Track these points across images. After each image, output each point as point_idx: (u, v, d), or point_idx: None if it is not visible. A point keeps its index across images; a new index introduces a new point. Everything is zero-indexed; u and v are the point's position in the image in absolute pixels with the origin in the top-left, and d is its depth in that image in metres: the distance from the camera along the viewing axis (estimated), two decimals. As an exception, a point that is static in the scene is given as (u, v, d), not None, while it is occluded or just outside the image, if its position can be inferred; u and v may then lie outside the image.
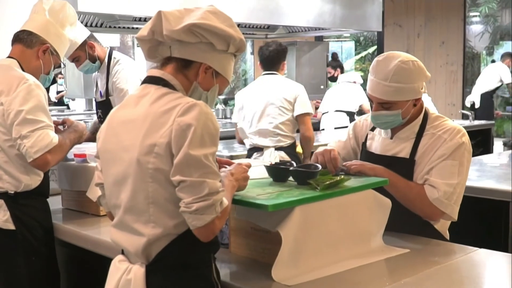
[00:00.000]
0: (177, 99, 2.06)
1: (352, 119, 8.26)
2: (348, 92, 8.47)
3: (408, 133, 2.89)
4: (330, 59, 9.45)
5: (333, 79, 9.21)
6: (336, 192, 2.43)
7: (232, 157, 5.16)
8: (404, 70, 2.76)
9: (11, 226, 3.06)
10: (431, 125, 2.88)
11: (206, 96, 2.21)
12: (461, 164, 2.78)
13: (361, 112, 8.37)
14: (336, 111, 8.37)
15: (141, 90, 2.18)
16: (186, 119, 1.97)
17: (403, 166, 2.82)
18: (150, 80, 2.18)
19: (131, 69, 4.40)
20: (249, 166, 2.35)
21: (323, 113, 8.64)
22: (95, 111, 4.90)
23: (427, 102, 6.39)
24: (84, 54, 4.28)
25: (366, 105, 8.23)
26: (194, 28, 2.09)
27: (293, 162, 2.68)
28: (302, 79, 8.95)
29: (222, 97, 14.89)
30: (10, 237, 3.06)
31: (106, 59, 4.40)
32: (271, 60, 5.38)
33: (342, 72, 9.21)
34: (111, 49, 4.50)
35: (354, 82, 8.63)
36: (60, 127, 3.30)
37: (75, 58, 4.30)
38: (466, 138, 2.83)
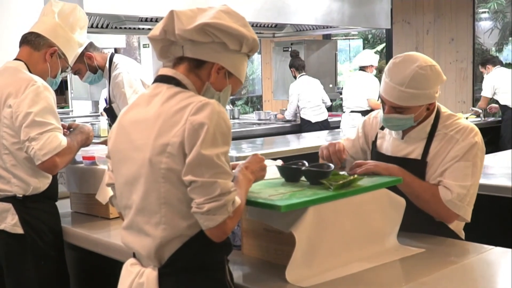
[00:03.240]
0: (189, 98, 2.03)
1: None
2: (361, 86, 8.29)
3: (420, 133, 2.84)
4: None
5: (295, 78, 8.93)
6: (350, 192, 2.40)
7: (240, 158, 5.14)
8: (422, 76, 2.69)
9: (20, 230, 3.03)
10: (443, 125, 2.82)
11: (218, 97, 2.18)
12: (474, 165, 2.74)
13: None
14: (352, 111, 8.29)
15: (152, 89, 2.15)
16: (199, 118, 1.95)
17: (415, 168, 2.78)
18: (161, 79, 2.15)
19: (128, 71, 4.35)
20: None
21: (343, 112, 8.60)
22: (100, 114, 4.88)
23: None
24: (84, 66, 4.27)
25: (373, 100, 8.17)
26: (206, 28, 2.06)
27: (304, 161, 2.65)
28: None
29: (230, 97, 14.88)
30: (19, 241, 3.04)
31: (107, 65, 4.36)
32: None
33: (299, 71, 8.80)
34: (112, 54, 4.45)
35: (365, 69, 8.44)
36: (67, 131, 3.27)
37: (76, 71, 4.28)
38: (479, 137, 2.78)
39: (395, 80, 2.72)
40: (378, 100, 8.40)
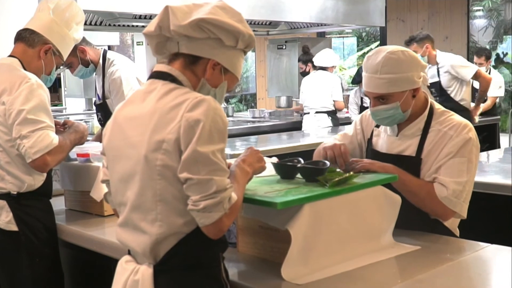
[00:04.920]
0: (185, 94, 2.02)
1: (333, 118, 8.18)
2: (324, 86, 8.16)
3: (414, 130, 2.84)
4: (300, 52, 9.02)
5: (305, 74, 8.72)
6: (346, 189, 2.40)
7: (234, 156, 5.13)
8: (393, 60, 2.72)
9: (14, 228, 3.02)
10: (436, 121, 2.82)
11: (214, 93, 2.17)
12: (470, 161, 2.73)
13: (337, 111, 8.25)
14: (317, 112, 8.20)
15: (147, 86, 2.14)
16: (195, 115, 1.94)
17: (410, 165, 2.77)
18: (157, 75, 2.14)
19: (126, 68, 4.35)
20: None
21: (304, 113, 8.43)
22: (95, 113, 4.85)
23: None
24: (76, 60, 4.25)
25: (340, 102, 8.17)
26: (202, 23, 2.05)
27: (300, 159, 2.64)
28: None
29: (225, 94, 14.83)
30: (13, 238, 3.03)
31: (100, 61, 4.36)
32: None
33: (314, 67, 8.58)
34: (105, 50, 4.44)
35: (326, 69, 8.29)
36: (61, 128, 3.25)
37: (68, 64, 4.27)
38: (473, 133, 2.78)
39: (370, 70, 2.76)
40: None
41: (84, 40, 4.29)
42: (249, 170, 2.19)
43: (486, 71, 9.00)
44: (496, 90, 9.05)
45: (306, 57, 8.73)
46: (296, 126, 8.50)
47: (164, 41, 2.15)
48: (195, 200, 1.94)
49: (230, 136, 6.63)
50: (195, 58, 2.12)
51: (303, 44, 8.92)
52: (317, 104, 8.17)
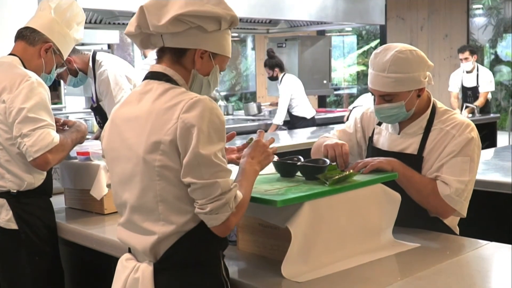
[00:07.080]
0: (180, 95, 2.02)
1: None
2: None
3: (416, 128, 2.84)
4: (266, 56, 8.40)
5: (274, 79, 8.26)
6: (346, 187, 2.40)
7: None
8: (402, 59, 2.70)
9: (14, 226, 3.02)
10: (439, 120, 2.82)
11: (208, 81, 2.17)
12: (472, 160, 2.73)
13: None
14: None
15: (143, 86, 2.14)
16: (191, 117, 1.94)
17: (411, 163, 2.77)
18: (152, 75, 2.14)
19: (113, 68, 4.31)
20: (271, 141, 2.32)
21: (354, 107, 8.50)
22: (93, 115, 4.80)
23: None
24: (65, 71, 4.23)
25: None
26: (180, 17, 2.03)
27: (300, 157, 2.64)
28: (305, 74, 8.93)
29: (223, 93, 14.86)
30: (13, 237, 3.03)
31: (90, 64, 4.33)
32: None
33: (282, 71, 8.13)
34: (94, 52, 4.41)
35: None
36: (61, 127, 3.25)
37: (58, 76, 4.25)
38: (475, 133, 2.77)
39: (377, 68, 2.74)
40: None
41: None
42: (257, 169, 2.20)
43: (473, 67, 9.04)
44: (487, 85, 9.08)
45: (272, 62, 8.24)
46: (296, 127, 8.50)
47: (147, 36, 2.13)
48: (201, 204, 1.95)
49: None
50: (181, 51, 2.11)
51: (268, 48, 8.78)
52: (360, 100, 8.26)
